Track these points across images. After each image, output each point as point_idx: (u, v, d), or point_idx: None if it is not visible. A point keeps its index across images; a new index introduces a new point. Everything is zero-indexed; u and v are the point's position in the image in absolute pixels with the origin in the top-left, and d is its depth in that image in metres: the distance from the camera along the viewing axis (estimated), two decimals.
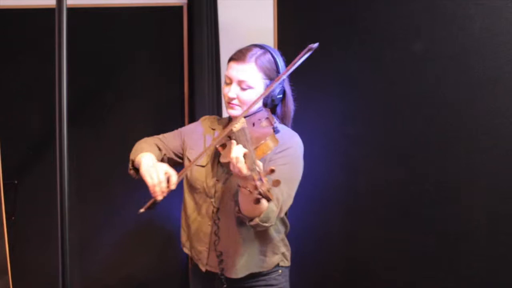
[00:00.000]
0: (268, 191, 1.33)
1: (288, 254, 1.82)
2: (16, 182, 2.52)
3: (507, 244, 2.34)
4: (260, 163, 1.41)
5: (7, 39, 2.61)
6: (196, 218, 1.76)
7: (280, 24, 2.52)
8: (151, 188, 1.54)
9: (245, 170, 1.39)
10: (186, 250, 1.84)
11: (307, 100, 2.49)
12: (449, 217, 2.39)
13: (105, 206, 2.64)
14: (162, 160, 1.77)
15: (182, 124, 2.63)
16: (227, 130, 1.58)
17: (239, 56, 1.66)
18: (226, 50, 2.55)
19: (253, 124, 1.64)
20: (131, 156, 1.75)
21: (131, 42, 2.64)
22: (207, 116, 1.92)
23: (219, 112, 2.53)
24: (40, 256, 2.60)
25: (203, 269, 1.75)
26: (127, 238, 2.64)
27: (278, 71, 1.68)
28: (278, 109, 1.76)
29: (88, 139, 2.60)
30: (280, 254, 1.78)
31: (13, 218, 2.45)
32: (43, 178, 2.52)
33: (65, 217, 1.19)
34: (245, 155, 1.41)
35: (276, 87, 1.67)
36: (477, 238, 2.37)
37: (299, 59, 1.57)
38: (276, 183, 1.33)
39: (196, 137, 1.81)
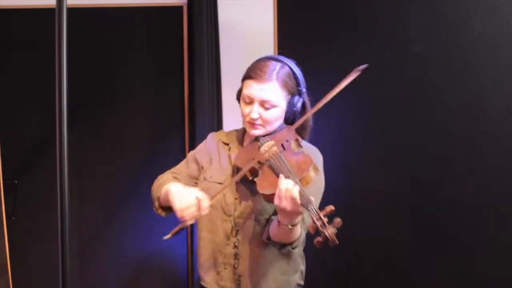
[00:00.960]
0: (335, 235, 1.27)
1: (304, 271, 1.74)
2: (16, 182, 2.52)
3: (508, 244, 2.34)
4: (312, 198, 1.35)
5: (7, 39, 2.61)
6: (211, 237, 1.66)
7: (280, 24, 2.52)
8: (178, 213, 1.48)
9: (299, 206, 1.34)
10: (203, 283, 1.70)
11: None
12: (449, 217, 2.39)
13: (105, 206, 2.64)
14: None
15: (182, 125, 2.65)
16: (256, 155, 1.52)
17: (258, 74, 1.58)
18: (226, 50, 2.55)
19: (283, 147, 1.56)
20: (155, 194, 1.69)
21: (131, 42, 2.64)
22: (213, 132, 1.84)
23: (219, 114, 2.53)
24: (40, 256, 2.60)
25: None
26: (127, 238, 2.64)
27: (298, 84, 1.64)
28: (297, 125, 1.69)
29: (88, 139, 2.60)
30: (299, 272, 1.71)
31: (13, 218, 2.45)
32: (43, 178, 2.52)
33: (65, 217, 1.19)
34: (300, 193, 1.35)
35: (297, 101, 1.63)
36: (478, 238, 2.37)
37: (345, 82, 1.59)
38: (338, 223, 1.29)
39: (209, 155, 1.73)
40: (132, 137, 2.64)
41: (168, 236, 1.50)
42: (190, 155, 1.79)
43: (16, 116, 2.62)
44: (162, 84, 2.65)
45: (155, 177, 1.80)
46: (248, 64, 1.66)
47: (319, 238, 1.28)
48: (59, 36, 1.20)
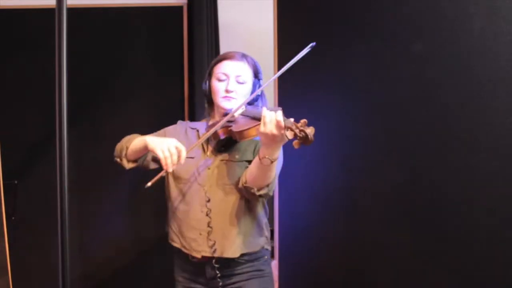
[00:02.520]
0: (313, 133, 1.49)
1: (269, 237, 1.94)
2: (16, 182, 2.52)
3: (508, 244, 2.34)
4: (292, 119, 1.56)
5: (7, 39, 2.62)
6: (184, 207, 1.84)
7: (280, 24, 2.52)
8: (162, 161, 1.64)
9: (283, 123, 1.52)
10: (175, 244, 1.90)
11: (307, 100, 2.50)
12: (449, 217, 2.39)
13: (105, 206, 2.64)
14: (145, 161, 1.91)
15: None
16: (227, 117, 1.73)
17: (230, 55, 1.87)
18: (226, 50, 2.54)
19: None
20: (124, 145, 1.88)
21: (131, 42, 2.64)
22: (180, 121, 2.03)
23: None
24: (40, 256, 2.60)
25: (199, 255, 1.81)
26: (127, 238, 2.65)
27: (258, 72, 1.91)
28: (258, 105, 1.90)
29: (88, 139, 2.60)
30: (264, 237, 1.90)
31: (13, 218, 2.45)
32: (43, 178, 2.53)
33: (65, 217, 1.19)
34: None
35: (258, 85, 1.88)
36: (478, 238, 2.37)
37: (299, 56, 1.73)
38: (311, 128, 1.50)
39: (179, 135, 1.90)
40: None
41: (149, 184, 1.64)
42: (161, 131, 1.97)
43: (16, 116, 2.62)
44: (162, 84, 2.65)
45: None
46: None
47: (297, 140, 1.51)
48: (59, 36, 1.19)
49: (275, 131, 1.55)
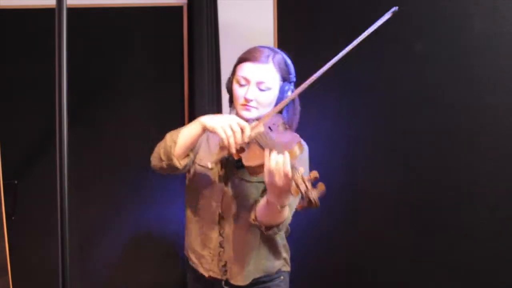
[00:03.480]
0: (318, 198, 1.28)
1: (288, 258, 1.80)
2: (16, 182, 2.52)
3: (508, 244, 2.34)
4: (302, 169, 1.34)
5: (7, 39, 2.61)
6: (198, 221, 1.72)
7: (280, 24, 2.52)
8: (225, 141, 1.46)
9: (290, 174, 1.32)
10: (188, 254, 1.79)
11: (308, 101, 2.50)
12: (450, 217, 2.39)
13: (105, 206, 2.64)
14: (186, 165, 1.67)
15: (182, 124, 2.64)
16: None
17: (254, 56, 1.60)
18: (226, 50, 2.55)
19: (270, 129, 1.55)
20: (168, 143, 1.60)
21: (131, 42, 2.64)
22: None
23: (219, 112, 2.52)
24: (40, 256, 2.60)
25: (206, 274, 1.71)
26: (127, 238, 2.64)
27: (289, 72, 1.65)
28: (285, 113, 1.68)
29: (88, 139, 2.60)
30: (282, 260, 1.76)
31: (13, 218, 2.45)
32: (43, 178, 2.52)
33: (65, 217, 1.19)
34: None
35: (288, 88, 1.63)
36: (478, 238, 2.37)
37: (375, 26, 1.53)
38: (321, 187, 1.29)
39: (200, 140, 1.70)
40: (132, 136, 2.64)
41: (213, 163, 1.57)
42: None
43: (16, 116, 2.62)
44: (162, 84, 2.65)
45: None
46: None
47: (302, 202, 1.29)
48: (59, 36, 1.19)
49: (280, 183, 1.35)
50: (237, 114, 1.63)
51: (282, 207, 1.43)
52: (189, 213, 1.75)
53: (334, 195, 2.53)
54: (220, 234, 1.66)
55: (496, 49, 2.33)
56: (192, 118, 2.54)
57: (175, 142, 1.59)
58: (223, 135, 1.46)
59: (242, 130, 1.47)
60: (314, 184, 1.31)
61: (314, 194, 1.28)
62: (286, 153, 1.35)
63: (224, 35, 2.55)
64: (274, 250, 1.72)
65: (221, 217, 1.65)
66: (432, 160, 2.41)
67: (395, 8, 1.50)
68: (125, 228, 2.63)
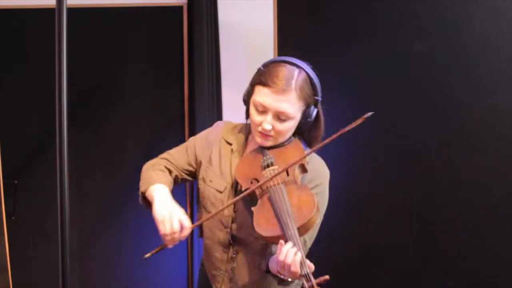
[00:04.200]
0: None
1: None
2: (16, 182, 2.52)
3: (508, 244, 2.34)
4: (312, 266, 1.32)
5: (7, 39, 2.61)
6: (208, 239, 1.64)
7: (280, 24, 2.52)
8: (162, 237, 1.45)
9: (298, 272, 1.30)
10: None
11: None
12: (450, 217, 2.39)
13: (105, 206, 2.64)
14: (175, 181, 1.65)
15: (182, 124, 2.65)
16: (258, 175, 1.46)
17: (275, 83, 1.45)
18: (226, 50, 2.55)
19: (287, 173, 1.45)
20: (141, 188, 1.59)
21: (131, 42, 2.64)
22: (221, 123, 1.72)
23: (219, 113, 2.52)
24: (40, 256, 2.60)
25: None
26: (127, 238, 2.64)
27: (315, 94, 1.53)
28: (306, 132, 1.58)
29: (88, 139, 2.60)
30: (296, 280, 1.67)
31: (13, 218, 2.45)
32: (43, 178, 2.52)
33: (65, 217, 1.19)
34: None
35: (312, 111, 1.52)
36: (478, 238, 2.37)
37: (352, 127, 1.51)
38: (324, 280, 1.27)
39: (210, 151, 1.64)
40: (132, 137, 2.64)
41: (149, 255, 1.54)
42: (187, 147, 1.70)
43: (16, 116, 2.62)
44: (162, 84, 2.64)
45: None
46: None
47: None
48: (59, 36, 1.20)
49: (288, 276, 1.33)
50: (253, 137, 1.56)
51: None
52: (203, 232, 1.67)
53: (333, 194, 2.54)
54: (232, 259, 1.59)
55: (496, 49, 2.32)
56: (192, 118, 2.54)
57: (143, 193, 1.58)
58: (161, 231, 1.44)
59: (182, 228, 1.44)
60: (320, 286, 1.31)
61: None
62: (299, 253, 1.30)
63: (224, 35, 2.55)
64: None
65: (232, 244, 1.58)
66: (431, 160, 2.41)
67: (370, 114, 1.54)
68: (125, 228, 2.63)
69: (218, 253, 1.60)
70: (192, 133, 2.52)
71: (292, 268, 1.30)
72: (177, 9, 2.60)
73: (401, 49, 2.42)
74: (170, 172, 1.65)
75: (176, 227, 1.43)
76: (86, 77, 2.58)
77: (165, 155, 1.70)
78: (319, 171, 1.57)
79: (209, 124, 2.48)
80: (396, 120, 2.44)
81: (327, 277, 1.27)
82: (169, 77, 2.64)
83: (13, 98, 2.62)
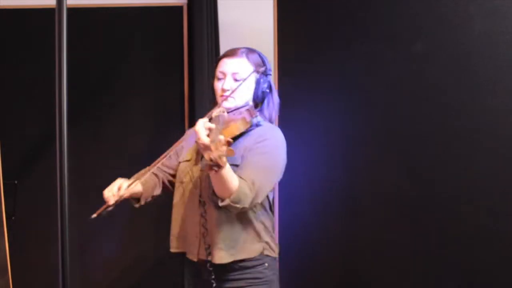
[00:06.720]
0: (220, 157, 1.40)
1: (274, 245, 1.83)
2: (16, 182, 2.52)
3: (508, 244, 2.34)
4: (221, 137, 1.44)
5: (7, 39, 2.62)
6: (184, 211, 1.81)
7: (280, 24, 2.52)
8: (104, 195, 1.76)
9: (203, 138, 1.45)
10: (177, 250, 1.87)
11: (307, 100, 2.50)
12: (450, 218, 2.39)
13: None
14: (163, 185, 1.92)
15: (182, 125, 2.65)
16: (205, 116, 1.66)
17: (229, 52, 1.81)
18: (226, 49, 2.54)
19: (234, 114, 1.71)
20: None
21: (131, 42, 2.64)
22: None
23: None
24: (40, 256, 2.60)
25: (195, 259, 1.77)
26: (127, 238, 2.64)
27: (264, 65, 1.81)
28: (264, 106, 1.83)
29: (88, 139, 2.60)
30: (263, 243, 1.78)
31: (13, 218, 2.45)
32: (43, 178, 2.52)
33: (65, 217, 1.19)
34: (210, 129, 1.48)
35: (264, 81, 1.79)
36: (478, 238, 2.37)
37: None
38: (230, 152, 1.41)
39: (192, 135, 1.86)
40: (132, 136, 2.64)
41: (94, 215, 1.75)
42: (178, 148, 1.90)
43: (16, 116, 2.62)
44: (162, 84, 2.65)
45: None
46: None
47: (209, 161, 1.42)
48: (59, 36, 1.19)
49: (197, 139, 1.50)
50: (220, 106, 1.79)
51: (218, 168, 1.47)
52: (175, 205, 1.86)
53: (333, 194, 2.55)
54: (203, 216, 1.74)
55: (496, 49, 2.32)
56: (192, 117, 2.54)
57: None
58: (104, 193, 1.78)
59: (119, 188, 1.76)
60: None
61: (215, 154, 1.40)
62: (206, 118, 1.54)
63: (224, 35, 2.55)
64: (253, 233, 1.76)
65: (202, 203, 1.75)
66: (431, 160, 2.41)
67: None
68: (126, 227, 2.63)
69: (195, 217, 1.77)
70: None
71: (196, 127, 1.49)
72: (177, 9, 2.61)
73: (401, 49, 2.42)
74: (156, 176, 1.92)
75: (115, 184, 1.77)
76: (86, 77, 2.59)
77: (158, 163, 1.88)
78: (267, 130, 1.77)
79: None
80: (396, 120, 2.44)
81: (230, 140, 1.43)
82: (169, 77, 2.64)
83: (13, 98, 2.63)
